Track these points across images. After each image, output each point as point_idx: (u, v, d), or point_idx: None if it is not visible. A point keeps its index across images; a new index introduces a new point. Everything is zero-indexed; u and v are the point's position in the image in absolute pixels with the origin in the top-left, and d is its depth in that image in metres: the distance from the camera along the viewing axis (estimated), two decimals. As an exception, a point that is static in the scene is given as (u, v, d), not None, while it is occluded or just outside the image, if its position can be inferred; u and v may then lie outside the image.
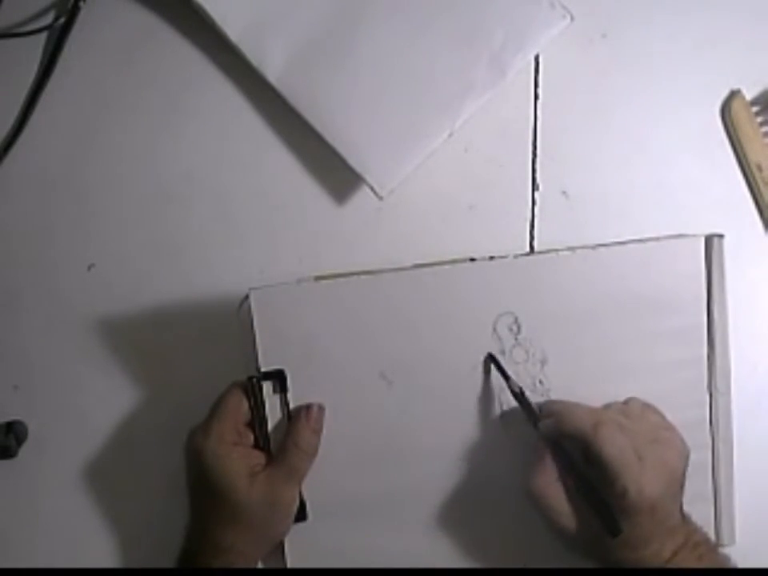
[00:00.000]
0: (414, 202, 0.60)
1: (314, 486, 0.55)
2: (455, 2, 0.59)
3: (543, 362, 0.56)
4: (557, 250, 0.57)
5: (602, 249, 0.56)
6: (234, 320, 0.57)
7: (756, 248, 0.60)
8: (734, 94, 0.60)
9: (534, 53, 0.59)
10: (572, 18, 0.58)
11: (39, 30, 0.61)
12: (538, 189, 0.61)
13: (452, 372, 0.56)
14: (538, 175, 0.61)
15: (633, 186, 0.60)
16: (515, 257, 0.56)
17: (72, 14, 0.61)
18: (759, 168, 0.59)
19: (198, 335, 0.59)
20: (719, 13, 0.61)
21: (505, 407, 0.56)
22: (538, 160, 0.61)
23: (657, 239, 0.57)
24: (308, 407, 0.54)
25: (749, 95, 0.60)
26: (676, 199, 0.60)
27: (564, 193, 0.61)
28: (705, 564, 0.51)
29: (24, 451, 0.59)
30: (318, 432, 0.54)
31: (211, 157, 0.61)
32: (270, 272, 0.60)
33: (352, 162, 0.58)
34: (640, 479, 0.50)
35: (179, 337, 0.59)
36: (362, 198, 0.60)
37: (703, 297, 0.56)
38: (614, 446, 0.50)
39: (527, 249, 0.60)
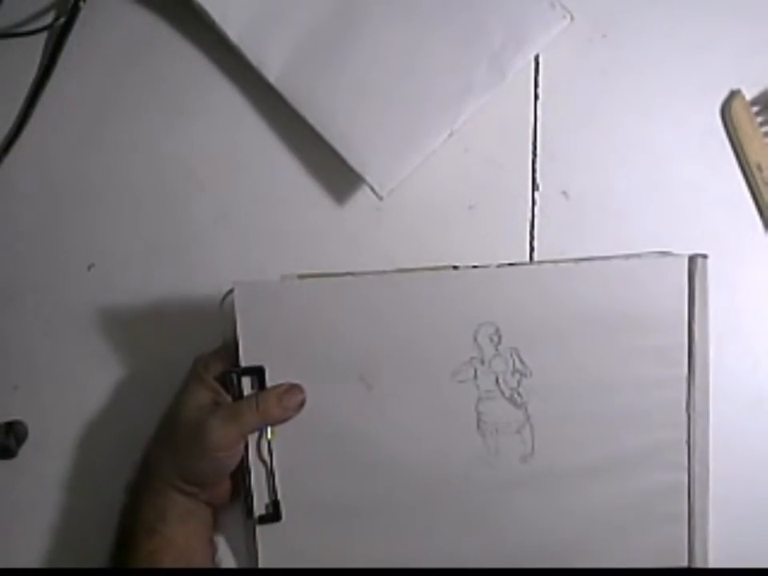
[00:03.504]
0: (414, 202, 0.60)
1: (289, 486, 0.55)
2: (455, 2, 0.59)
3: (522, 375, 0.56)
4: (540, 262, 0.57)
5: (585, 263, 0.55)
6: (232, 320, 0.57)
7: (756, 248, 0.60)
8: (734, 94, 0.60)
9: (534, 53, 0.59)
10: (572, 18, 0.58)
11: (39, 30, 0.61)
12: (538, 189, 0.61)
13: (431, 378, 0.56)
14: (538, 175, 0.61)
15: (633, 186, 0.60)
16: (498, 266, 0.56)
17: (72, 14, 0.61)
18: (759, 168, 0.60)
19: (199, 335, 0.59)
20: (719, 13, 0.61)
21: (483, 416, 0.56)
22: (538, 160, 0.61)
23: (640, 256, 0.56)
24: (291, 385, 0.54)
25: (749, 95, 0.60)
26: (676, 199, 0.60)
27: (564, 193, 0.61)
28: None
29: (24, 451, 0.59)
30: (283, 408, 0.54)
31: (211, 157, 0.61)
32: (270, 272, 0.59)
33: (352, 162, 0.58)
34: None
35: (179, 337, 0.59)
36: (362, 198, 0.60)
37: (685, 316, 0.56)
38: None
39: (527, 248, 0.60)
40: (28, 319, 0.60)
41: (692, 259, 0.55)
